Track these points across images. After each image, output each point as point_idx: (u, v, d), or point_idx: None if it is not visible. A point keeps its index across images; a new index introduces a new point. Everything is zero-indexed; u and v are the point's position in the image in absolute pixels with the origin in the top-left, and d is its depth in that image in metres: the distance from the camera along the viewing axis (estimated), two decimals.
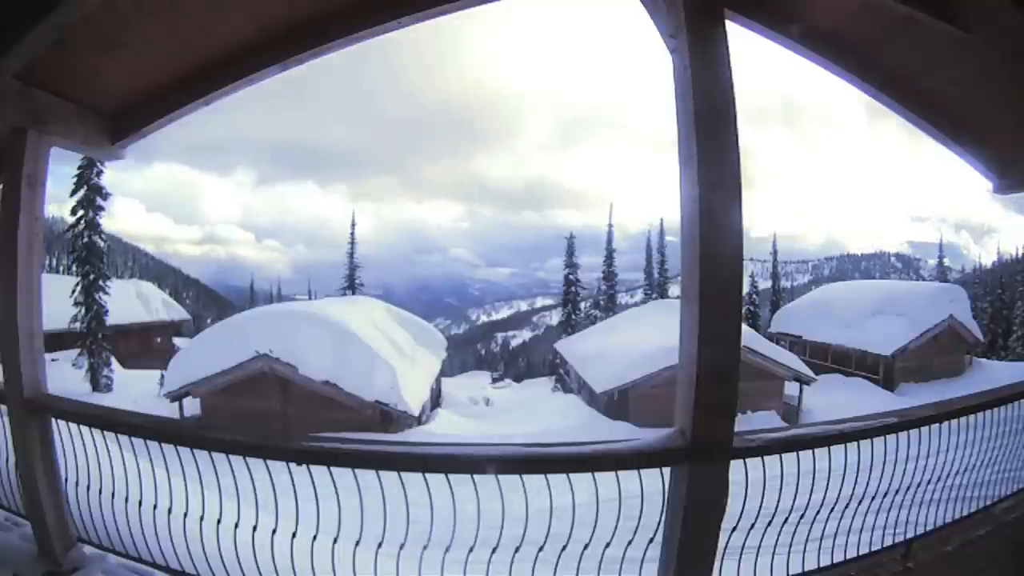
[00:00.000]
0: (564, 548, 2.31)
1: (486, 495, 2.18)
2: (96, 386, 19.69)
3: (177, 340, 30.62)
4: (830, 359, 24.47)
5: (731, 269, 1.86)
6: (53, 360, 18.77)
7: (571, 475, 2.09)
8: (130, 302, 28.02)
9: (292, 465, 2.18)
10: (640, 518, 2.29)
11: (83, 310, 20.13)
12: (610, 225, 34.11)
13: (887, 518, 2.88)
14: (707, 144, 1.82)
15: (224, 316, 26.67)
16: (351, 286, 31.76)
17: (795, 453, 2.28)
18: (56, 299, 18.85)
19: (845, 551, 2.78)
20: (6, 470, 3.01)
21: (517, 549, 2.26)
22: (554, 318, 50.92)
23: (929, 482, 3.15)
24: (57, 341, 20.10)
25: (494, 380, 34.42)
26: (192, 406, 15.59)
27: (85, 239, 20.29)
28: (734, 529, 2.36)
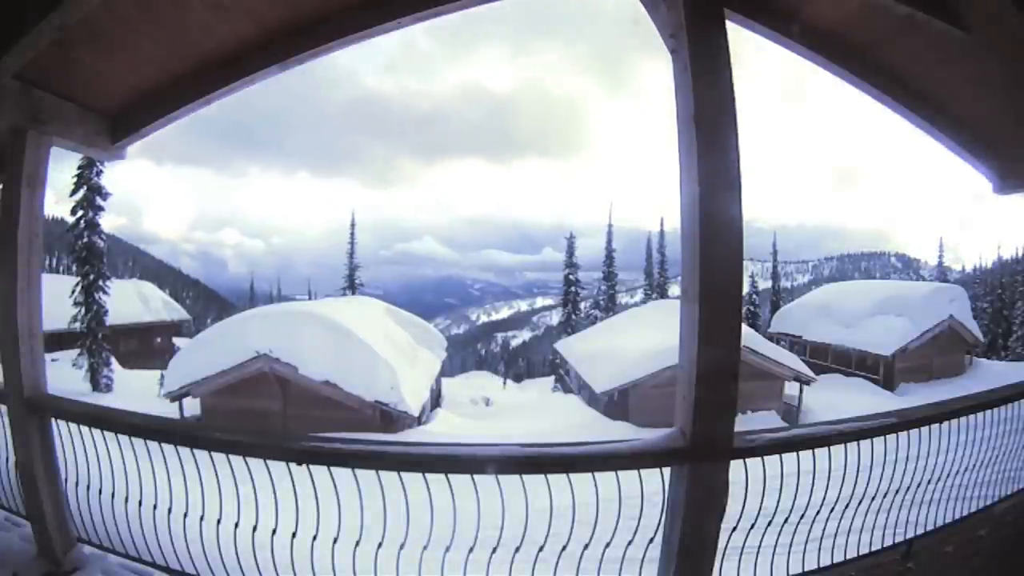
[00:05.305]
0: (564, 548, 2.31)
1: (486, 495, 2.19)
2: (96, 386, 19.67)
3: (177, 340, 30.62)
4: (830, 359, 24.45)
5: (731, 269, 1.86)
6: (53, 360, 18.76)
7: (571, 475, 2.09)
8: (130, 302, 28.01)
9: (292, 465, 2.18)
10: (640, 518, 2.29)
11: (83, 310, 20.10)
12: (610, 225, 34.14)
13: (887, 518, 2.88)
14: (707, 144, 1.82)
15: (224, 316, 26.65)
16: (351, 286, 31.77)
17: (795, 453, 2.28)
18: (56, 299, 18.83)
19: (845, 551, 2.78)
20: (6, 470, 3.01)
21: (517, 549, 2.26)
22: (554, 318, 50.97)
23: (929, 482, 3.15)
24: (57, 341, 20.09)
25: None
26: (192, 406, 15.57)
27: (85, 239, 20.26)
28: (734, 529, 2.36)
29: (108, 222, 20.89)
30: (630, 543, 2.28)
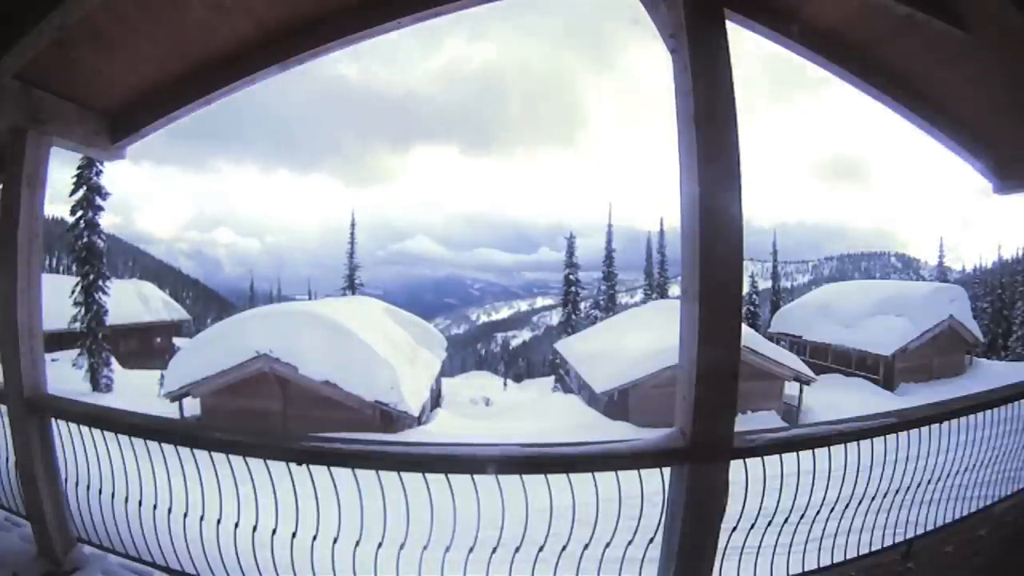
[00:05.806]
0: (564, 548, 2.31)
1: (486, 495, 2.18)
2: (96, 386, 19.66)
3: (177, 340, 30.62)
4: (830, 359, 24.45)
5: (731, 269, 1.86)
6: (53, 360, 18.75)
7: (571, 475, 2.09)
8: (130, 302, 28.01)
9: (292, 465, 2.18)
10: (640, 518, 2.29)
11: (83, 310, 20.09)
12: (610, 225, 34.14)
13: (887, 518, 2.88)
14: (707, 144, 1.82)
15: (224, 316, 26.66)
16: (351, 286, 31.78)
17: (795, 453, 2.28)
18: (56, 299, 18.83)
19: (845, 551, 2.78)
20: (6, 470, 3.01)
21: (517, 549, 2.26)
22: (554, 318, 51.01)
23: (929, 482, 3.15)
24: (57, 341, 20.10)
25: None
26: (192, 406, 15.58)
27: (85, 239, 20.26)
28: (734, 529, 2.36)
29: (104, 221, 20.90)
30: (630, 543, 2.28)
